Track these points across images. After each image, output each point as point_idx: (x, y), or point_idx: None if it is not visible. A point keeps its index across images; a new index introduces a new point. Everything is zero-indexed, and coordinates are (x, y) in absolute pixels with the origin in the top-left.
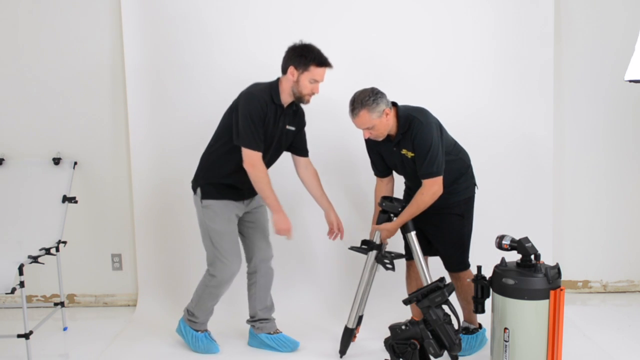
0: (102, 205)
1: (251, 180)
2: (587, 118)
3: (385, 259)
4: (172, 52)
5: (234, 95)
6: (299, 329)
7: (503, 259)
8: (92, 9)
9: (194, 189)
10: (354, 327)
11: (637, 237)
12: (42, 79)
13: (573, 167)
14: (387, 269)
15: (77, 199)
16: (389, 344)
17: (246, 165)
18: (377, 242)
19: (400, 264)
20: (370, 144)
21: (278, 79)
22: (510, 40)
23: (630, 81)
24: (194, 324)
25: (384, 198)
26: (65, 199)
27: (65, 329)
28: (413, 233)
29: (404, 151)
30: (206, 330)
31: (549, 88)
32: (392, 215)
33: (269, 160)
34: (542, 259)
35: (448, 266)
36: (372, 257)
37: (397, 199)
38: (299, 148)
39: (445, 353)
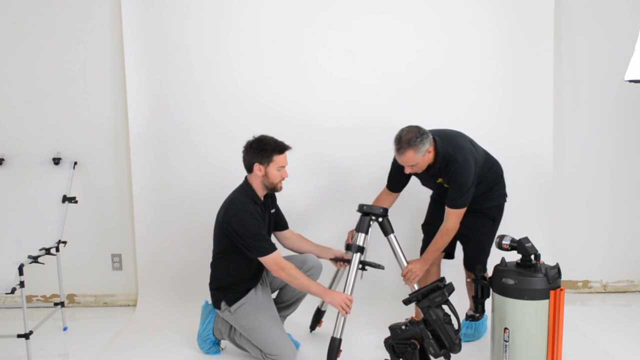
0: (102, 205)
1: (287, 282)
2: (587, 118)
3: (370, 261)
4: (172, 52)
5: (234, 94)
6: (300, 331)
7: (503, 259)
8: (92, 9)
9: (218, 307)
10: (341, 337)
11: (637, 237)
12: (42, 79)
13: (573, 167)
14: (377, 267)
15: (77, 199)
16: (389, 344)
17: (276, 272)
18: (361, 244)
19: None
20: (399, 167)
21: (246, 180)
22: (510, 41)
23: (630, 81)
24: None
25: (362, 205)
26: (65, 199)
27: (65, 329)
28: (393, 235)
29: (439, 180)
30: (221, 339)
31: (548, 88)
32: (373, 217)
33: None
34: (542, 259)
35: (469, 265)
36: (356, 261)
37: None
38: (281, 224)
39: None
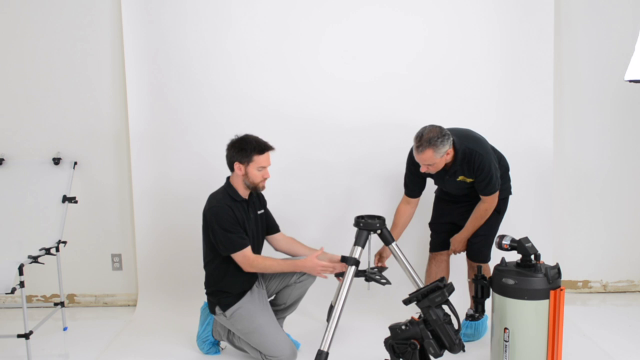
0: (102, 205)
1: (262, 274)
2: (587, 118)
3: (375, 275)
4: (172, 52)
5: (234, 95)
6: (300, 331)
7: (503, 259)
8: (92, 9)
9: (213, 312)
10: (329, 350)
11: (637, 237)
12: (42, 79)
13: (573, 167)
14: (383, 284)
15: (77, 199)
16: (389, 344)
17: (246, 269)
18: (358, 257)
19: (421, 257)
20: (414, 171)
21: (228, 179)
22: (511, 39)
23: (630, 81)
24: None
25: (360, 217)
26: (65, 199)
27: (65, 329)
28: (394, 244)
29: (461, 178)
30: (220, 340)
31: (549, 87)
32: (370, 232)
33: (256, 250)
34: (542, 259)
35: (472, 256)
36: (352, 273)
37: (372, 216)
38: (272, 226)
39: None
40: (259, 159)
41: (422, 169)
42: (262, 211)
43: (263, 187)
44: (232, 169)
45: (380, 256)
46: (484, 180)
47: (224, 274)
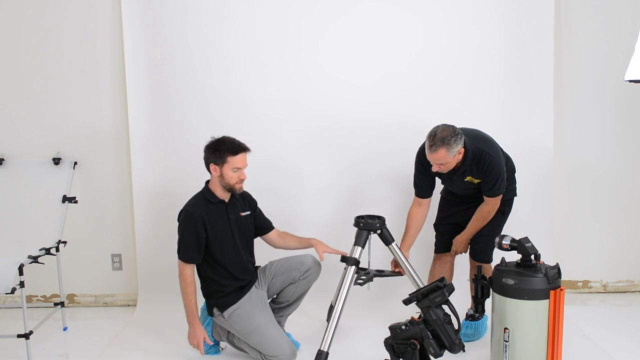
0: (102, 205)
1: (261, 274)
2: (587, 118)
3: (369, 275)
4: (172, 51)
5: (234, 95)
6: (300, 331)
7: (503, 259)
8: (92, 9)
9: (211, 313)
10: (329, 350)
11: (637, 237)
12: (42, 79)
13: (573, 167)
14: (356, 283)
15: (77, 199)
16: (389, 344)
17: (179, 274)
18: (357, 257)
19: (425, 258)
20: (423, 170)
21: (207, 182)
22: (510, 40)
23: (630, 81)
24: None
25: (360, 217)
26: (65, 199)
27: (65, 329)
28: (394, 244)
29: (468, 178)
30: (220, 340)
31: (549, 87)
32: (370, 232)
33: (243, 250)
34: (542, 259)
35: (475, 256)
36: (351, 273)
37: (372, 216)
38: (263, 227)
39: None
40: (233, 160)
41: (434, 168)
42: (248, 212)
43: (240, 189)
44: (209, 170)
45: (396, 263)
46: (490, 181)
47: (211, 275)
